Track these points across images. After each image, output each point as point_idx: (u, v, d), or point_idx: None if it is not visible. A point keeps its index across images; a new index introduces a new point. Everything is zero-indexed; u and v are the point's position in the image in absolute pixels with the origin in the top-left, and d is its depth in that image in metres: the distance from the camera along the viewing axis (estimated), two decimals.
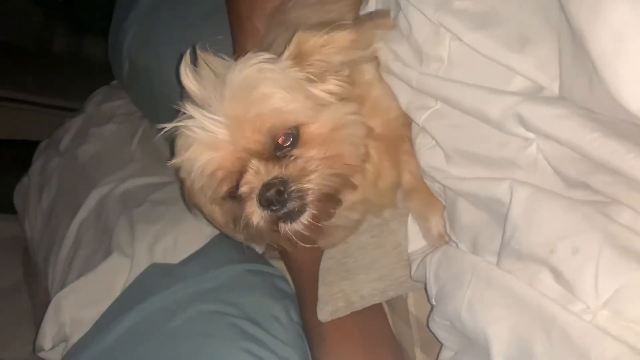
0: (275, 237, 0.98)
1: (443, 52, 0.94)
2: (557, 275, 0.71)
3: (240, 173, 0.94)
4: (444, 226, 1.03)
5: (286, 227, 0.94)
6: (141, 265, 1.51)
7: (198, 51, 0.97)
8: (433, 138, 0.97)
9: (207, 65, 0.96)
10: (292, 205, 0.92)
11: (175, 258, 1.51)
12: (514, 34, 0.83)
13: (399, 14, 1.02)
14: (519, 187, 0.78)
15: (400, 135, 1.09)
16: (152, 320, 1.32)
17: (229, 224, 1.07)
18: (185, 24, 1.80)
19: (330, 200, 0.96)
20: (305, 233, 0.95)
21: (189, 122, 0.93)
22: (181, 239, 1.55)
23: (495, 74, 0.85)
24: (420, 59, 0.98)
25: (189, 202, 1.11)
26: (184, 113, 0.94)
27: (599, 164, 0.68)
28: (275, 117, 0.92)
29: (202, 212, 1.12)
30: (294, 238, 0.95)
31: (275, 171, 0.92)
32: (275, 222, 0.94)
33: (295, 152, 0.94)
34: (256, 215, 0.94)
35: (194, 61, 0.98)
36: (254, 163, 0.93)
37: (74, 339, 1.45)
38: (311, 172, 0.93)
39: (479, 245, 0.89)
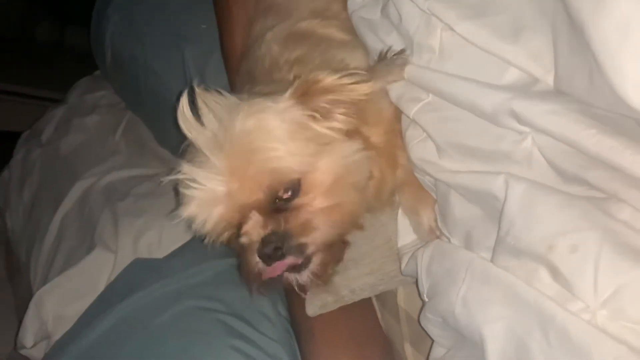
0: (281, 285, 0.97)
1: (434, 42, 0.92)
2: (555, 273, 0.69)
3: (241, 224, 0.93)
4: (435, 220, 1.02)
5: (291, 277, 0.94)
6: (125, 260, 1.50)
7: (197, 90, 0.94)
8: (424, 131, 0.95)
9: (206, 106, 0.93)
10: (291, 260, 0.91)
11: (160, 253, 1.50)
12: (507, 24, 0.81)
13: (389, 3, 1.00)
14: (515, 182, 0.76)
15: (394, 130, 1.07)
16: (137, 317, 1.30)
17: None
18: (169, 12, 1.77)
19: (335, 247, 0.96)
20: (314, 282, 0.94)
21: (186, 177, 0.92)
22: (166, 234, 1.53)
23: (489, 65, 0.83)
24: (411, 49, 0.96)
25: None
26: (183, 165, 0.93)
27: (596, 160, 0.66)
28: (274, 174, 0.90)
29: None
30: (299, 289, 0.95)
31: (273, 225, 0.91)
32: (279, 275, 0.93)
33: (296, 202, 0.92)
34: (258, 267, 0.93)
35: (192, 99, 0.95)
36: (253, 216, 0.91)
37: (56, 336, 1.43)
38: (312, 225, 0.91)
39: (472, 241, 0.87)
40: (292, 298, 1.32)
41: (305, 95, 0.92)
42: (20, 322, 1.54)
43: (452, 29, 0.87)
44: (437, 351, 0.95)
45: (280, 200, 0.92)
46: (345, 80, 0.92)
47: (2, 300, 2.04)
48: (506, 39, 0.80)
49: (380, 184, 1.05)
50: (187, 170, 0.91)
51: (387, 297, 1.25)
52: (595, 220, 0.68)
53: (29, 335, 1.48)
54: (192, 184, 0.90)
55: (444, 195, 0.94)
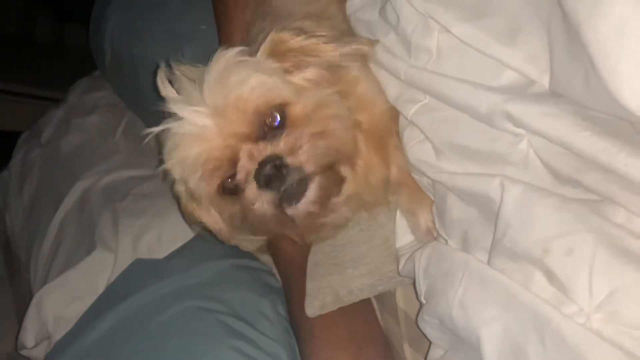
0: (281, 225, 0.96)
1: (432, 44, 0.92)
2: (551, 276, 0.69)
3: (233, 162, 0.93)
4: (433, 221, 1.02)
5: (292, 209, 0.92)
6: (125, 260, 1.49)
7: (172, 64, 0.97)
8: (422, 132, 0.95)
9: (183, 74, 0.96)
10: (292, 178, 0.90)
11: (160, 253, 1.50)
12: (504, 26, 0.81)
13: (387, 5, 1.00)
14: (511, 185, 0.76)
15: (388, 129, 1.07)
16: (136, 317, 1.30)
17: (231, 224, 1.05)
18: (169, 12, 1.77)
19: (331, 173, 0.95)
20: (313, 211, 0.93)
21: (172, 122, 0.93)
22: (166, 234, 1.53)
23: (485, 66, 0.83)
24: (409, 50, 0.96)
25: (188, 217, 1.11)
26: (167, 115, 0.94)
27: (591, 162, 0.66)
28: (258, 96, 0.92)
29: (202, 223, 1.10)
30: (302, 221, 0.93)
31: (268, 150, 0.90)
32: (279, 205, 0.91)
33: (284, 131, 0.93)
34: (259, 200, 0.92)
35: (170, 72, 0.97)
36: (245, 148, 0.92)
37: (57, 336, 1.43)
38: (304, 145, 0.91)
39: (469, 242, 0.88)
40: (292, 298, 1.32)
41: (274, 53, 0.97)
42: (20, 322, 1.54)
43: (449, 31, 0.87)
44: (435, 353, 0.95)
45: (268, 130, 0.93)
46: (310, 41, 0.97)
47: (2, 300, 2.03)
48: (502, 41, 0.80)
49: (369, 165, 1.05)
50: (171, 107, 0.92)
51: (386, 298, 1.26)
52: (590, 223, 0.68)
53: (29, 335, 1.48)
54: (177, 126, 0.92)
55: (442, 196, 0.94)
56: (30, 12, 3.77)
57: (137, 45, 1.82)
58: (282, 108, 0.94)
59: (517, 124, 0.75)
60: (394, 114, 1.04)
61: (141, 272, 1.45)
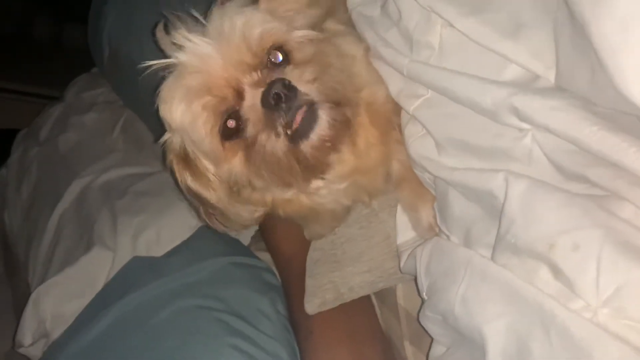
0: (289, 160, 0.91)
1: (434, 39, 0.91)
2: (556, 272, 0.69)
3: (238, 93, 0.91)
4: (434, 217, 1.01)
5: (303, 140, 0.90)
6: (124, 258, 1.48)
7: (171, 18, 0.96)
8: (424, 127, 0.95)
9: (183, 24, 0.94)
10: (301, 101, 0.88)
11: (159, 251, 1.48)
12: (508, 20, 0.81)
13: (388, 0, 1.00)
14: (515, 180, 0.75)
15: (390, 120, 1.07)
16: (135, 315, 1.29)
17: (230, 187, 1.02)
18: (167, 10, 1.75)
19: (338, 108, 0.92)
20: (323, 143, 0.91)
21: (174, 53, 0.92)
22: (164, 231, 1.52)
23: (488, 61, 0.83)
24: (411, 46, 0.95)
25: (183, 188, 1.06)
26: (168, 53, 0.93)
27: (598, 157, 0.66)
28: (263, 30, 0.91)
29: (194, 193, 1.05)
30: (312, 154, 0.91)
31: (274, 75, 0.89)
32: (287, 134, 0.89)
33: (288, 67, 0.92)
34: (266, 129, 0.89)
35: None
36: (250, 77, 0.90)
37: (55, 334, 1.42)
38: (311, 76, 0.90)
39: (472, 238, 0.87)
40: (291, 296, 1.32)
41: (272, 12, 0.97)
42: (18, 320, 1.53)
43: (452, 26, 0.87)
44: (437, 349, 0.95)
45: (271, 65, 0.92)
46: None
47: (1, 298, 2.02)
48: (507, 36, 0.80)
49: (368, 140, 1.04)
50: (174, 35, 0.91)
51: (386, 295, 1.25)
52: (596, 218, 0.67)
53: (27, 333, 1.47)
54: (179, 52, 0.91)
55: (443, 192, 0.94)
56: (28, 10, 3.76)
57: (135, 42, 1.81)
58: (285, 49, 0.93)
59: (523, 118, 0.74)
60: (397, 108, 1.03)
61: (139, 270, 1.44)
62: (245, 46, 0.90)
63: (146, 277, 1.38)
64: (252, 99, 0.90)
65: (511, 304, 0.73)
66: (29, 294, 1.53)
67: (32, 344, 1.47)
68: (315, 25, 1.02)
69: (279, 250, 1.39)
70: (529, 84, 0.78)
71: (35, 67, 3.29)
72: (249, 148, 0.92)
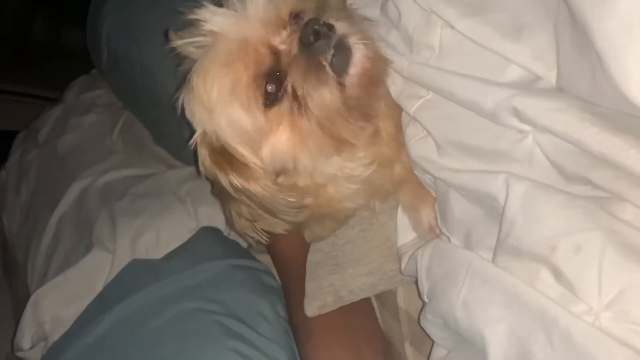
0: (339, 103, 0.89)
1: (434, 40, 0.91)
2: (558, 275, 0.68)
3: (273, 56, 0.89)
4: (435, 218, 1.01)
5: (347, 76, 0.88)
6: (123, 260, 1.48)
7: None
8: (424, 128, 0.94)
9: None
10: (339, 35, 0.86)
11: (158, 253, 1.49)
12: (509, 21, 0.80)
13: (388, 1, 0.99)
14: (516, 182, 0.75)
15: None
16: (134, 318, 1.29)
17: (276, 174, 0.99)
18: (166, 11, 1.75)
19: (374, 58, 0.91)
20: (366, 74, 0.89)
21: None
22: (164, 234, 1.52)
23: (489, 62, 0.82)
24: (411, 47, 0.95)
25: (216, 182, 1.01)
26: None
27: (599, 159, 0.65)
28: None
29: (238, 189, 0.98)
30: (357, 91, 0.89)
31: (307, 19, 0.88)
32: (330, 70, 0.87)
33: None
34: (310, 74, 0.86)
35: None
36: (280, 35, 0.89)
37: (54, 337, 1.42)
38: (340, 17, 0.89)
39: (472, 240, 0.86)
40: (291, 298, 1.31)
41: None
42: (17, 323, 1.52)
43: (452, 27, 0.86)
44: (438, 352, 0.94)
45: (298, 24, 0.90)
46: None
47: (0, 299, 2.02)
48: (508, 37, 0.79)
49: (387, 139, 1.03)
50: (203, 11, 0.90)
51: (386, 297, 1.25)
52: (598, 220, 0.67)
53: (26, 337, 1.46)
54: (212, 16, 0.89)
55: (444, 194, 0.93)
56: (27, 12, 3.75)
57: (133, 44, 1.80)
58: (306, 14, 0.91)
59: (524, 119, 0.74)
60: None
61: (139, 273, 1.44)
62: (271, 10, 0.89)
63: (145, 280, 1.38)
64: (289, 49, 0.88)
65: (512, 307, 0.73)
66: (28, 297, 1.53)
67: (31, 348, 1.47)
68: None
69: (279, 253, 1.39)
70: (529, 85, 0.78)
71: (34, 68, 3.28)
72: (294, 108, 0.89)
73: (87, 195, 1.75)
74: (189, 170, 1.73)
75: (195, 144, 0.99)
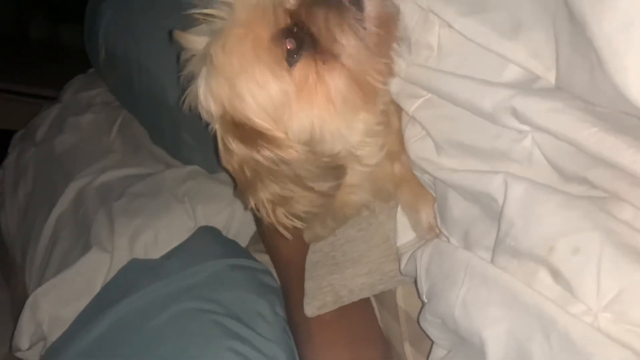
0: (364, 35, 0.87)
1: (432, 39, 0.90)
2: (556, 275, 0.68)
3: (288, 15, 0.87)
4: (435, 218, 1.00)
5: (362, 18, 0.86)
6: (121, 260, 1.48)
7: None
8: (423, 128, 0.94)
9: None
10: None
11: (157, 253, 1.48)
12: (507, 20, 0.80)
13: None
14: (514, 182, 0.74)
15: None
16: (133, 318, 1.28)
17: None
18: (164, 9, 1.74)
19: (388, 18, 0.90)
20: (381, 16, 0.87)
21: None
22: (162, 233, 1.51)
23: (488, 62, 0.82)
24: (409, 46, 0.94)
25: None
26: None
27: (598, 159, 0.65)
28: None
29: (273, 160, 0.93)
30: (377, 32, 0.87)
31: None
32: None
33: None
34: (329, 18, 0.85)
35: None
36: None
37: (52, 338, 1.42)
38: None
39: (471, 240, 0.86)
40: (290, 298, 1.31)
41: None
42: (16, 323, 1.52)
43: (450, 26, 0.86)
44: (437, 352, 0.94)
45: None
46: None
47: None
48: (506, 36, 0.79)
49: (397, 132, 1.02)
50: None
51: (385, 297, 1.24)
52: (596, 220, 0.67)
53: (24, 337, 1.46)
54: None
55: (443, 194, 0.93)
56: (25, 10, 3.75)
57: (131, 43, 1.80)
58: None
59: (523, 120, 0.74)
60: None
61: (137, 273, 1.44)
62: None
63: (144, 280, 1.38)
64: (303, 2, 0.87)
65: (511, 307, 0.72)
66: (26, 297, 1.52)
67: (29, 348, 1.47)
68: None
69: (278, 252, 1.39)
70: (528, 85, 0.78)
71: (32, 67, 3.28)
72: (317, 63, 0.87)
73: (84, 194, 1.75)
74: (187, 169, 1.73)
75: (215, 131, 0.96)
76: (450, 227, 0.93)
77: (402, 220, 1.10)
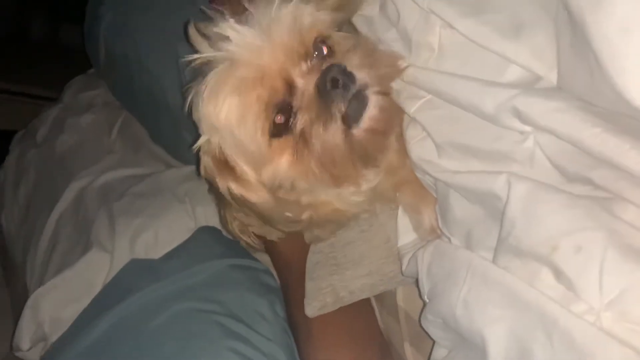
0: (346, 149, 0.89)
1: (433, 40, 0.91)
2: (559, 274, 0.68)
3: (288, 85, 0.88)
4: (437, 219, 1.01)
5: (357, 126, 0.88)
6: (122, 260, 1.48)
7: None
8: (424, 129, 0.94)
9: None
10: (357, 86, 0.86)
11: (157, 253, 1.48)
12: (508, 20, 0.80)
13: (387, 1, 0.99)
14: (517, 181, 0.75)
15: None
16: (133, 319, 1.28)
17: (275, 187, 0.98)
18: (164, 10, 1.75)
19: (389, 100, 0.91)
20: (377, 126, 0.89)
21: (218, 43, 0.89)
22: (162, 233, 1.51)
23: (489, 63, 0.82)
24: (410, 47, 0.94)
25: (218, 192, 1.02)
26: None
27: (600, 159, 0.65)
28: (312, 21, 0.90)
29: (237, 197, 0.99)
30: (367, 140, 0.89)
31: (328, 62, 0.87)
32: (343, 120, 0.87)
33: (336, 58, 0.91)
34: (320, 118, 0.86)
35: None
36: (301, 66, 0.88)
37: (53, 338, 1.41)
38: (362, 62, 0.88)
39: (473, 241, 0.86)
40: (290, 299, 1.31)
41: None
42: (16, 323, 1.52)
43: (451, 27, 0.86)
44: (439, 352, 0.94)
45: (318, 57, 0.90)
46: None
47: None
48: (508, 36, 0.79)
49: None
50: (222, 28, 0.89)
51: (386, 297, 1.25)
52: (599, 220, 0.67)
53: (25, 337, 1.46)
54: (231, 31, 0.87)
55: (444, 195, 0.93)
56: (25, 11, 3.74)
57: (131, 43, 1.80)
58: (328, 43, 0.92)
59: (525, 120, 0.74)
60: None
61: (137, 273, 1.44)
62: (295, 35, 0.88)
63: (144, 280, 1.37)
64: (305, 87, 0.88)
65: (513, 307, 0.73)
66: (26, 297, 1.52)
67: (30, 348, 1.46)
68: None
69: (279, 253, 1.39)
70: (530, 86, 0.78)
71: (32, 68, 3.27)
72: (299, 143, 0.89)
73: (85, 195, 1.75)
74: (188, 169, 1.73)
75: (199, 149, 0.99)
76: (452, 228, 0.93)
77: (403, 221, 1.10)
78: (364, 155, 0.93)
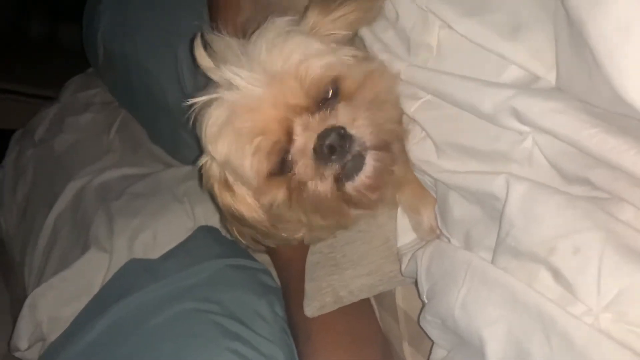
0: (336, 202, 0.92)
1: (432, 40, 0.91)
2: (557, 275, 0.68)
3: (289, 136, 0.89)
4: (436, 219, 1.00)
5: (350, 183, 0.89)
6: (120, 260, 1.48)
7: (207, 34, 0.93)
8: (423, 129, 0.94)
9: (219, 43, 0.92)
10: (354, 149, 0.86)
11: (155, 253, 1.48)
12: (507, 20, 0.80)
13: (386, 1, 0.99)
14: (516, 182, 0.74)
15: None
16: (132, 319, 1.28)
17: (271, 211, 1.00)
18: (162, 9, 1.75)
19: (386, 149, 0.92)
20: (370, 185, 0.90)
21: (220, 91, 0.90)
22: (161, 233, 1.51)
23: (488, 63, 0.82)
24: (408, 47, 0.94)
25: (225, 210, 1.05)
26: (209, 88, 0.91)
27: (598, 160, 0.65)
28: (317, 66, 0.88)
29: (235, 214, 1.03)
30: (358, 196, 0.90)
31: (328, 121, 0.87)
32: (337, 180, 0.88)
33: (339, 104, 0.90)
34: (316, 175, 0.88)
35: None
36: (301, 119, 0.88)
37: (51, 338, 1.42)
38: (363, 116, 0.88)
39: (472, 241, 0.86)
40: (290, 299, 1.31)
41: (314, 27, 0.95)
42: (14, 323, 1.52)
43: (450, 27, 0.86)
44: (438, 353, 0.94)
45: (322, 102, 0.90)
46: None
47: None
48: (506, 36, 0.79)
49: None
50: (220, 74, 0.89)
51: (385, 297, 1.24)
52: (597, 221, 0.67)
53: (23, 337, 1.46)
54: (229, 91, 0.88)
55: (443, 195, 0.93)
56: (23, 10, 3.74)
57: (129, 42, 1.80)
58: (336, 81, 0.91)
59: (523, 120, 0.74)
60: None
61: (136, 273, 1.44)
62: (299, 88, 0.88)
63: (143, 280, 1.38)
64: (303, 142, 0.88)
65: (511, 308, 0.72)
66: (25, 296, 1.52)
67: (28, 348, 1.46)
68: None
69: (278, 253, 1.38)
70: (529, 86, 0.78)
71: (30, 67, 3.27)
72: (293, 188, 0.92)
73: (83, 194, 1.75)
74: (186, 169, 1.73)
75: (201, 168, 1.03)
76: (451, 228, 0.93)
77: (402, 221, 1.10)
78: (356, 204, 0.96)
